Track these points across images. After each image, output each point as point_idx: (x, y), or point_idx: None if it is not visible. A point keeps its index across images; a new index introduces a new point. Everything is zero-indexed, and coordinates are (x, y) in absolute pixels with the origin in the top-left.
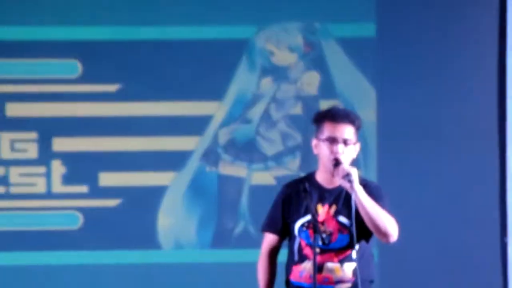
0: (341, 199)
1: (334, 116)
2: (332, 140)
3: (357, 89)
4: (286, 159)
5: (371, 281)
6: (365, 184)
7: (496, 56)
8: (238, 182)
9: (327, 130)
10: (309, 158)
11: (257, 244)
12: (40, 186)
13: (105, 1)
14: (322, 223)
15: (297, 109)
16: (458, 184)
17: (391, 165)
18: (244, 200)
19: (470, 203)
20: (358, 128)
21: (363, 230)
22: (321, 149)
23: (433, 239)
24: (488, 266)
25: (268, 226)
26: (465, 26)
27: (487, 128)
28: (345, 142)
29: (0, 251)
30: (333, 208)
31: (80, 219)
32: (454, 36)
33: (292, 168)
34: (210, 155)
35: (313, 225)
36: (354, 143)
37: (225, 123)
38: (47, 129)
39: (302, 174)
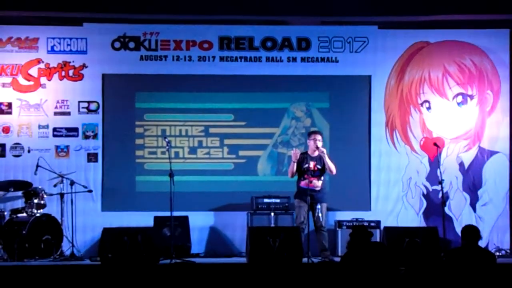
0: (318, 160)
1: (314, 133)
2: (314, 141)
3: (323, 125)
4: (299, 147)
5: (325, 188)
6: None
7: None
8: (283, 155)
9: (312, 137)
10: (306, 146)
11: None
12: (219, 155)
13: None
14: (312, 167)
15: (303, 131)
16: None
17: (336, 150)
18: (286, 159)
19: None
20: (322, 136)
21: (323, 170)
22: (310, 144)
23: None
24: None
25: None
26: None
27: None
28: (318, 141)
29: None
30: (315, 162)
31: (232, 166)
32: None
33: (301, 149)
34: (275, 146)
35: (307, 168)
36: (321, 141)
37: (279, 135)
38: (223, 134)
39: (304, 150)
